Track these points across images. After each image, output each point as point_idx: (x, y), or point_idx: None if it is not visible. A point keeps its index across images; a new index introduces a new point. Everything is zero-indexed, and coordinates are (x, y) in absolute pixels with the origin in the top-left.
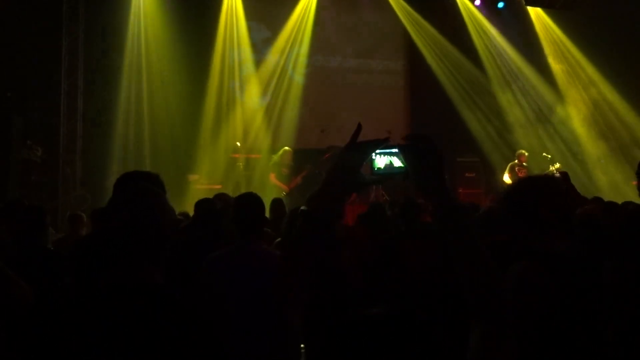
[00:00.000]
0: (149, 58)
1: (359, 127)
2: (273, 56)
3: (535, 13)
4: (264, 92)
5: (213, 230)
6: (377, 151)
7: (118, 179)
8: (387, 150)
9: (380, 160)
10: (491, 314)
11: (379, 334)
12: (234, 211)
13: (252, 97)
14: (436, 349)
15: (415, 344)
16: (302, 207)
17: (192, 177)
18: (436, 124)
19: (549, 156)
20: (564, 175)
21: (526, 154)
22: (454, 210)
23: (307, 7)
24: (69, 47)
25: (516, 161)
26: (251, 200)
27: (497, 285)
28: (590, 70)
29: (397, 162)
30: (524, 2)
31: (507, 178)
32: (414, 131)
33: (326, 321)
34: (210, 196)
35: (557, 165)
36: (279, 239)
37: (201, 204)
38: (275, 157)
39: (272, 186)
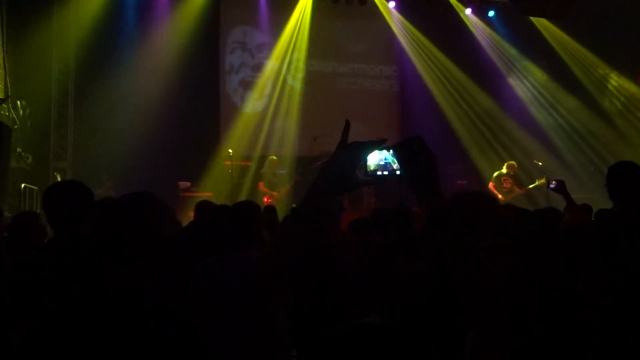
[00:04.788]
0: (140, 64)
1: (348, 124)
2: (267, 61)
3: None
4: (257, 98)
5: (210, 235)
6: (373, 153)
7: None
8: (382, 152)
9: (375, 162)
10: (486, 315)
11: (373, 344)
12: (230, 218)
13: (245, 103)
14: (430, 356)
15: (409, 353)
16: (294, 205)
17: (183, 185)
18: (428, 131)
19: (540, 163)
20: (561, 183)
21: (515, 165)
22: (446, 210)
23: (302, 12)
24: (60, 53)
25: (504, 171)
26: (247, 208)
27: (491, 285)
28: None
29: (391, 165)
30: (515, 11)
31: (491, 187)
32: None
33: (317, 329)
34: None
35: (543, 180)
36: None
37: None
38: (263, 168)
39: (261, 194)
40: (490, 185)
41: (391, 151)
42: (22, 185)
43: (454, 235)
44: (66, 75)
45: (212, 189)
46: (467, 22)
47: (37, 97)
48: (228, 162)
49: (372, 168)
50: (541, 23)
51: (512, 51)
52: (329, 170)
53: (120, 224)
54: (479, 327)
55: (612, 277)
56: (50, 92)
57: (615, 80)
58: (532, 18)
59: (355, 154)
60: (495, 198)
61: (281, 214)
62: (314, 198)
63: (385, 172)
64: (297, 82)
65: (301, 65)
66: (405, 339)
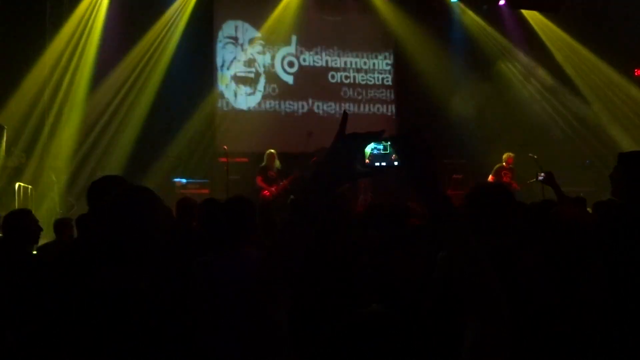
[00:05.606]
0: (134, 61)
1: (345, 115)
2: (259, 56)
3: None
4: (250, 93)
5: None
6: (371, 144)
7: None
8: (380, 144)
9: (373, 153)
10: (485, 313)
11: (379, 330)
12: (224, 215)
13: (238, 99)
14: (430, 344)
15: (412, 341)
16: (292, 197)
17: (179, 182)
18: (424, 125)
19: (535, 156)
20: (550, 175)
21: (513, 156)
22: (444, 205)
23: (290, 6)
24: (52, 52)
25: (503, 164)
26: (242, 204)
27: (491, 280)
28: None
29: (389, 156)
30: (509, 5)
31: (491, 180)
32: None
33: (322, 317)
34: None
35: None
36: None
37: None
38: (263, 162)
39: (258, 189)
40: (490, 178)
41: (389, 142)
42: (17, 184)
43: (453, 232)
44: (60, 73)
45: (208, 186)
46: (460, 13)
47: (31, 95)
48: (224, 159)
49: (370, 159)
50: (534, 16)
51: (506, 42)
52: (327, 162)
53: (121, 225)
54: (479, 325)
55: (614, 277)
56: (44, 89)
57: (610, 74)
58: (526, 11)
59: (353, 145)
60: (510, 193)
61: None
62: (312, 190)
63: (384, 163)
64: (289, 76)
65: (294, 59)
66: (406, 326)
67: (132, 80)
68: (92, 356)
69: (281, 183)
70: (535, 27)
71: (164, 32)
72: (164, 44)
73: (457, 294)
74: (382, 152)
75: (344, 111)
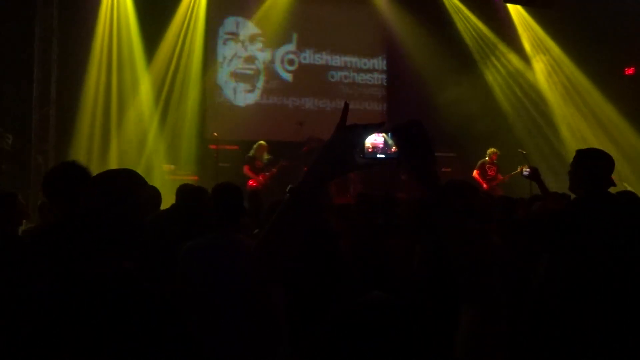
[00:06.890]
0: (123, 46)
1: (346, 107)
2: (259, 53)
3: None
4: (249, 90)
5: (195, 218)
6: (370, 135)
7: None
8: (380, 135)
9: (372, 145)
10: (481, 297)
11: (379, 318)
12: (212, 201)
13: (237, 95)
14: (428, 332)
15: (414, 326)
16: (290, 185)
17: (167, 168)
18: (417, 116)
19: (524, 152)
20: (535, 171)
21: (498, 152)
22: (443, 193)
23: (291, 3)
24: (43, 33)
25: (487, 159)
26: (229, 190)
27: (486, 268)
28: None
29: (389, 148)
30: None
31: (476, 175)
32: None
33: (320, 308)
34: None
35: (525, 166)
36: (257, 230)
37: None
38: (251, 151)
39: (246, 177)
40: (475, 173)
41: (389, 134)
42: (3, 166)
43: (452, 218)
44: (49, 55)
45: (196, 173)
46: (456, 10)
47: (18, 76)
48: (213, 146)
49: (369, 151)
50: (518, 11)
51: (499, 39)
52: (327, 152)
53: (112, 213)
54: (473, 309)
55: (570, 265)
56: (32, 71)
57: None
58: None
59: (353, 136)
60: (475, 188)
61: (265, 199)
62: (311, 179)
63: (383, 155)
64: (289, 74)
65: (294, 57)
66: (411, 312)
67: (121, 64)
68: (92, 356)
69: (269, 172)
70: (517, 23)
71: (162, 21)
72: (161, 33)
73: (453, 276)
74: (382, 144)
75: (345, 103)
